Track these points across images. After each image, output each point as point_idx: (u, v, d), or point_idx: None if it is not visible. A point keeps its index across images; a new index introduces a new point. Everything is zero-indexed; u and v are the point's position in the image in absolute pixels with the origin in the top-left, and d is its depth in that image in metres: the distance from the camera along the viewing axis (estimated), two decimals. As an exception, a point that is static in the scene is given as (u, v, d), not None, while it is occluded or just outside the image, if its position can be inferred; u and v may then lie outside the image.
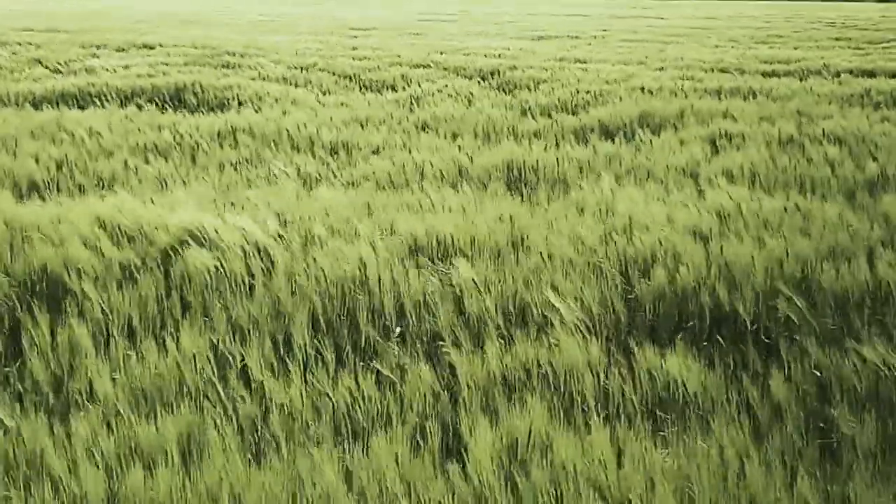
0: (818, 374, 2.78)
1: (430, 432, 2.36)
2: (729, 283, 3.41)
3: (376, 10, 45.55)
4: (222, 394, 2.66)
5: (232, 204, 4.40)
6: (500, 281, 3.31)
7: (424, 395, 2.59)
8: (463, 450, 2.48)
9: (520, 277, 3.35)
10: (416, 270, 3.32)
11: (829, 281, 3.35)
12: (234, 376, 2.75)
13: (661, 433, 2.64)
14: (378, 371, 2.86)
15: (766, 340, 3.29)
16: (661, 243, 3.67)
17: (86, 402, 2.67)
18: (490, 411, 2.64)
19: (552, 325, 3.23)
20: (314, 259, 3.39)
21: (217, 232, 3.73)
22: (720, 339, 3.31)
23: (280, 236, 3.80)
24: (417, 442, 2.52)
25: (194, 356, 2.74)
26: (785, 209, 4.35)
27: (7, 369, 2.95)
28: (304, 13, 43.04)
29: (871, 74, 13.75)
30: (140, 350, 2.88)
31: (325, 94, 10.85)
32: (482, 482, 2.09)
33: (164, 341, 3.15)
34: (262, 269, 3.53)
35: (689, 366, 2.69)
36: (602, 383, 2.73)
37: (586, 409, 2.70)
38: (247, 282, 3.48)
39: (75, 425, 2.29)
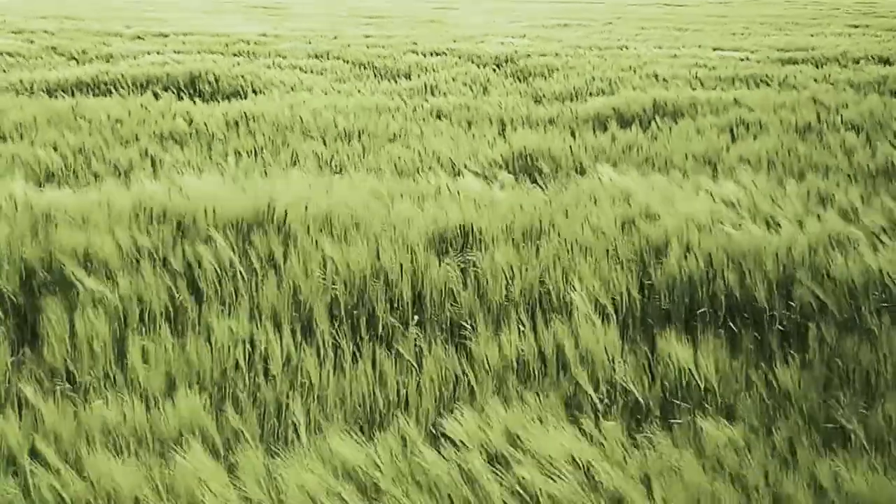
0: (837, 362, 2.77)
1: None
2: (744, 270, 3.40)
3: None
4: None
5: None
6: (518, 268, 3.31)
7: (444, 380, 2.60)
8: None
9: (538, 265, 3.35)
10: (436, 258, 3.33)
11: (842, 268, 3.34)
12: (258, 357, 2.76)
13: (674, 420, 2.64)
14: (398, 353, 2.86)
15: (781, 328, 3.28)
16: (677, 230, 3.66)
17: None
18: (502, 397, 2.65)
19: (570, 312, 3.23)
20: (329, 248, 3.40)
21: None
22: (735, 325, 3.31)
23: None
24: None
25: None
26: (807, 195, 4.33)
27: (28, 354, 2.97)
28: (316, 2, 43.00)
29: (888, 62, 13.65)
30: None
31: (340, 81, 10.85)
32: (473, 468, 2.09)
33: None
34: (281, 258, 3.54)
35: (703, 352, 2.68)
36: (618, 370, 2.73)
37: (601, 395, 2.70)
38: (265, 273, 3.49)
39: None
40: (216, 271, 3.34)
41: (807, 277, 3.27)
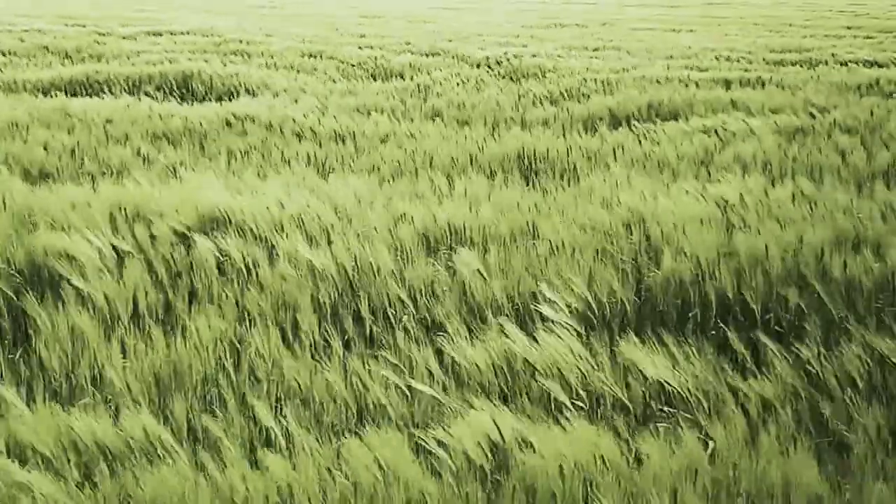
0: (825, 365, 2.77)
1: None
2: (737, 272, 3.40)
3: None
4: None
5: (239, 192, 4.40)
6: (506, 270, 3.31)
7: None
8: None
9: (527, 267, 3.35)
10: (424, 259, 3.32)
11: (838, 271, 3.34)
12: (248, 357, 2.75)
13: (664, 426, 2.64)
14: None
15: (777, 330, 3.28)
16: (667, 233, 3.66)
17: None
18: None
19: (554, 318, 3.23)
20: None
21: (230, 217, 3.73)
22: (728, 328, 3.31)
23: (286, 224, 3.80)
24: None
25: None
26: (794, 197, 4.34)
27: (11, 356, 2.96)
28: (311, 1, 43.01)
29: (882, 64, 13.67)
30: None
31: (333, 81, 10.84)
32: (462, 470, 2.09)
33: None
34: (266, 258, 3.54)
35: (692, 357, 2.68)
36: (602, 376, 2.72)
37: (582, 404, 2.70)
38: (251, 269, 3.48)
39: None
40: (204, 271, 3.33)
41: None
